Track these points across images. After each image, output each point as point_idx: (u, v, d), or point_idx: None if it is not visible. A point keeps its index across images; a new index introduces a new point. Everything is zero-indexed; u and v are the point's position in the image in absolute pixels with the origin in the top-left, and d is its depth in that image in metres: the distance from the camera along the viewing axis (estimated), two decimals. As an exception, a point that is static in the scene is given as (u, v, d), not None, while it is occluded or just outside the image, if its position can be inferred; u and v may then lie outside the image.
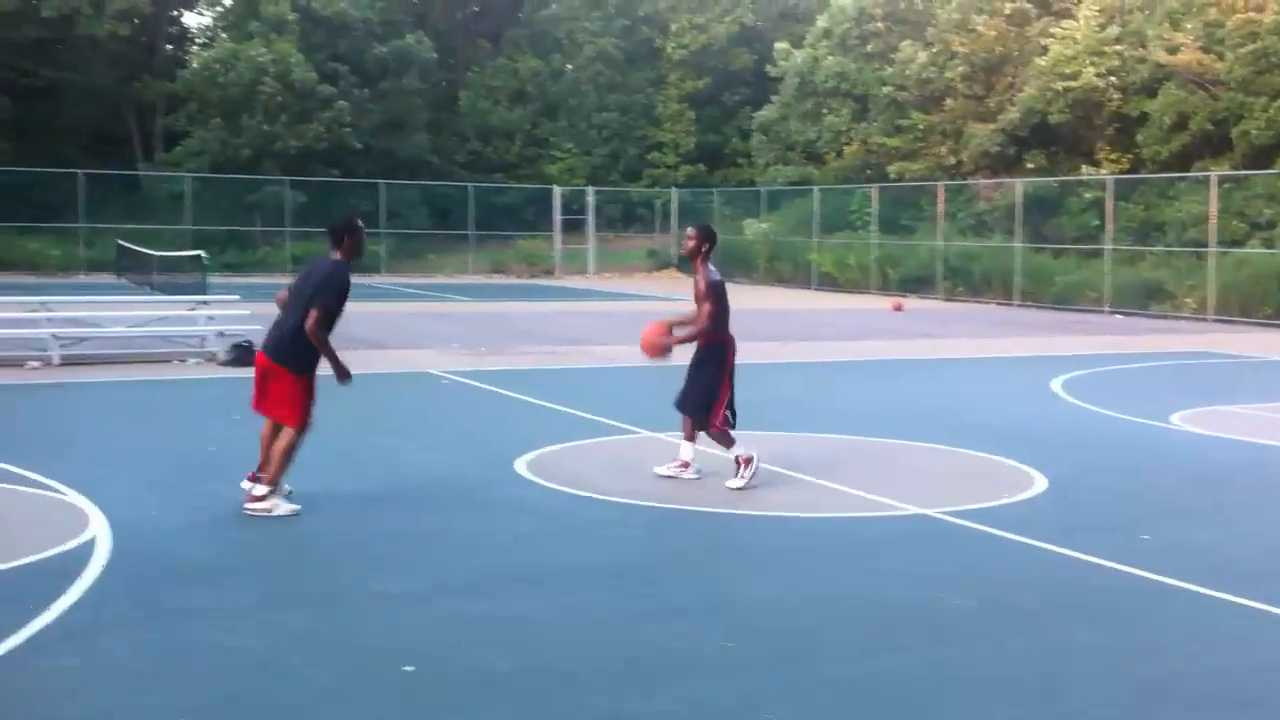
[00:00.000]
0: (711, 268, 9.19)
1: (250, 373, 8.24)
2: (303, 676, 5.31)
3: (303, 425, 8.08)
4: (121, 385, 14.46)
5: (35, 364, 15.37)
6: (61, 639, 5.68)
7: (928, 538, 7.86)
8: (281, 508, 8.01)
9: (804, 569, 7.10)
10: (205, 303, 18.43)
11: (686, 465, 9.36)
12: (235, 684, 5.20)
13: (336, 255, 8.14)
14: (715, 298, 9.04)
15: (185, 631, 5.82)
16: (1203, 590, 6.70)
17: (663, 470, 9.39)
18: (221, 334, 17.03)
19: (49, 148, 43.35)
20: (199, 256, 24.13)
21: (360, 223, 8.38)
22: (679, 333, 9.23)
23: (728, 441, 9.11)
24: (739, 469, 9.03)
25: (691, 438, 9.38)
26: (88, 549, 7.14)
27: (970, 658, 5.70)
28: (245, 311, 17.90)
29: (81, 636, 5.71)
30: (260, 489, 8.01)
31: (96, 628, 5.83)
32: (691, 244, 9.18)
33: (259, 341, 8.36)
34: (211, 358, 16.61)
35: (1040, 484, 9.46)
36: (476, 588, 6.62)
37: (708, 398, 9.13)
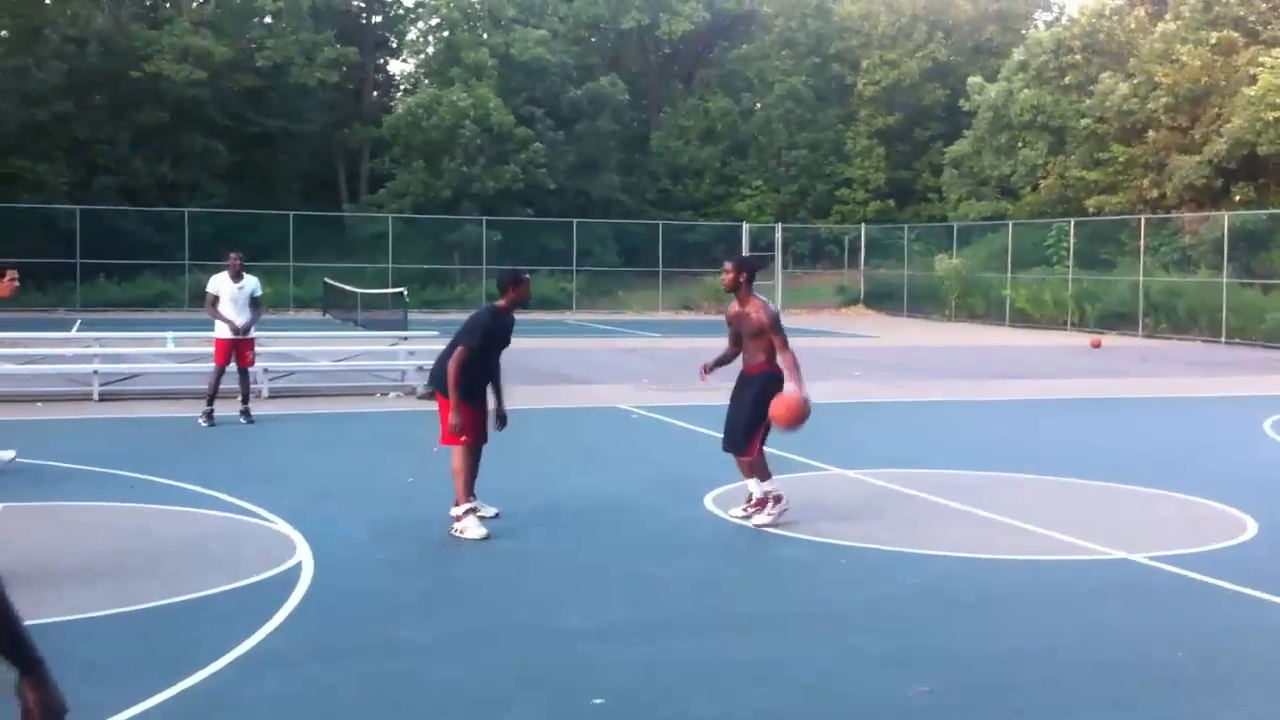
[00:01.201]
0: (762, 296, 9.14)
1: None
2: (503, 712, 5.41)
3: (459, 443, 8.47)
4: (325, 418, 15.02)
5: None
6: (265, 664, 5.90)
7: (1133, 584, 7.59)
8: (471, 530, 8.33)
9: (1007, 616, 6.89)
10: (405, 338, 19.03)
11: (763, 503, 9.01)
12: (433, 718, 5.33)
13: (500, 303, 8.68)
14: (780, 325, 8.97)
15: (386, 662, 5.98)
16: None
17: (738, 512, 9.09)
18: (421, 368, 17.50)
19: (263, 191, 45.56)
20: (400, 293, 24.92)
21: (527, 276, 8.86)
22: (792, 378, 8.86)
23: (764, 474, 8.91)
24: (764, 505, 8.85)
25: (752, 473, 9.07)
26: (294, 576, 7.42)
27: (1201, 716, 5.48)
28: (443, 346, 18.42)
29: (284, 664, 5.92)
30: (457, 509, 8.46)
31: (299, 655, 6.03)
32: (729, 277, 9.05)
33: None
34: (411, 391, 17.11)
35: (1251, 529, 9.06)
36: (672, 626, 6.62)
37: (750, 426, 8.93)
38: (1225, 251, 31.80)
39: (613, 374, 20.75)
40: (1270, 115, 32.78)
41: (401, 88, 56.96)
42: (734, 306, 9.17)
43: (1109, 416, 16.35)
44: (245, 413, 14.21)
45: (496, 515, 8.71)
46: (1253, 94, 33.73)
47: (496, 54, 47.58)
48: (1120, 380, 20.80)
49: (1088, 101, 39.99)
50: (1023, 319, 37.26)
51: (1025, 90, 42.27)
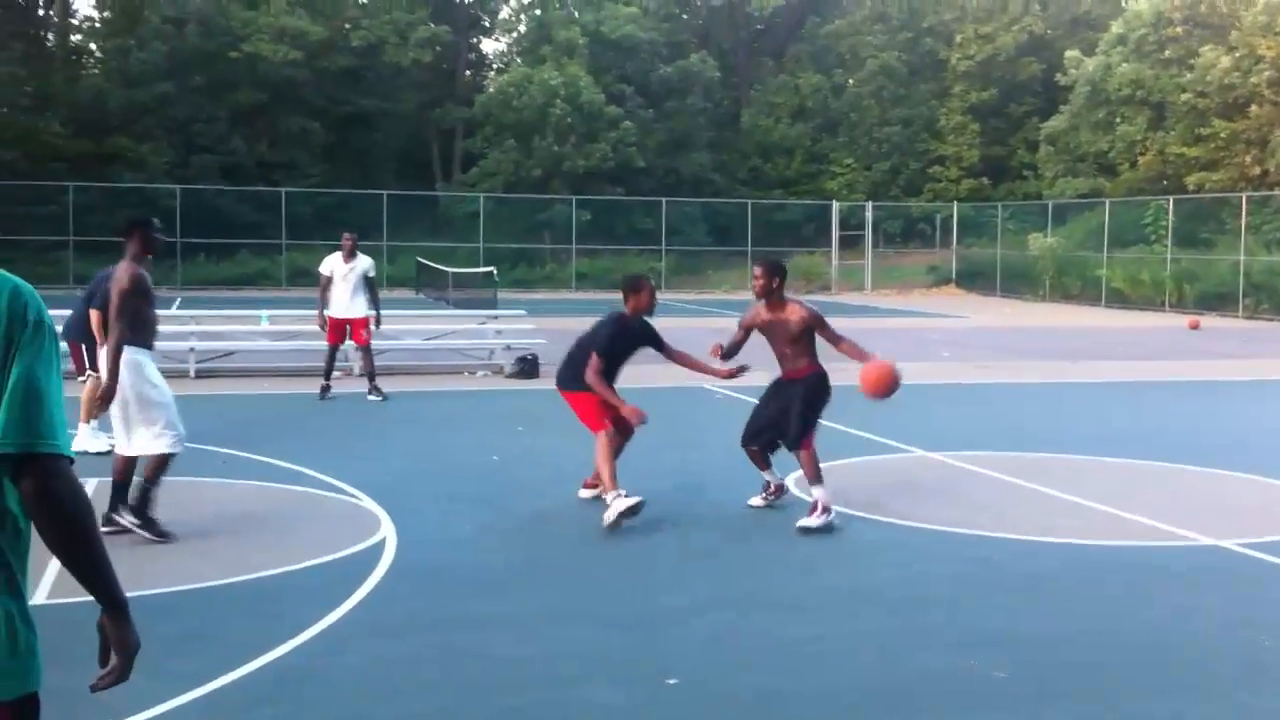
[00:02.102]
0: (795, 297, 9.01)
1: (535, 385, 8.71)
2: (580, 690, 5.50)
3: (603, 429, 8.60)
4: (414, 396, 15.23)
5: (336, 374, 16.34)
6: (349, 637, 6.04)
7: (1223, 571, 7.47)
8: (616, 505, 8.18)
9: (1091, 601, 6.82)
10: (494, 317, 19.21)
11: (782, 489, 9.09)
12: (510, 696, 5.43)
13: (625, 311, 8.86)
14: (825, 321, 8.80)
15: (465, 637, 6.10)
16: None
17: (810, 522, 8.31)
18: (509, 348, 17.70)
19: (358, 170, 46.16)
20: (490, 273, 25.15)
21: (649, 282, 9.10)
22: (865, 355, 8.73)
23: (817, 471, 8.41)
24: (822, 511, 8.29)
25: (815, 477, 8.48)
26: (378, 551, 7.58)
27: None
28: (531, 326, 18.59)
29: (367, 637, 6.06)
30: (607, 495, 8.36)
31: (382, 629, 6.18)
32: (761, 283, 8.77)
33: (544, 356, 9.07)
34: (499, 370, 17.28)
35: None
36: (747, 604, 6.67)
37: (807, 425, 8.70)
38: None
39: (700, 353, 20.71)
40: (1380, 89, 31.81)
41: (493, 67, 57.31)
42: (763, 313, 8.82)
43: (1206, 400, 16.04)
44: (374, 389, 14.46)
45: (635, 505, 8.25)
46: (1362, 67, 32.75)
47: (587, 32, 47.67)
48: (1219, 362, 20.37)
49: (1188, 75, 39.09)
50: (1119, 299, 36.59)
51: (1124, 64, 41.42)
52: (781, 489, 9.07)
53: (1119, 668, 5.76)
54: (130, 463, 7.86)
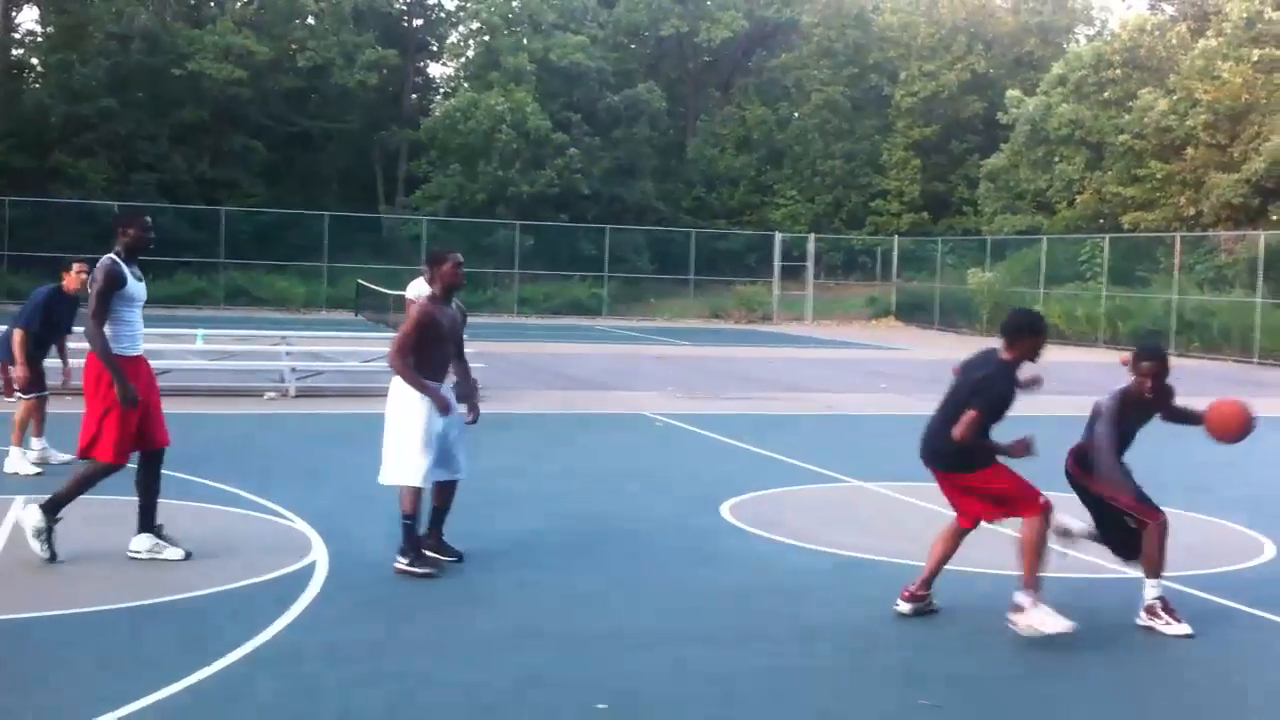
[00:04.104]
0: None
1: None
2: (511, 715, 5.48)
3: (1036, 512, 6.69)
4: (350, 418, 15.12)
5: (273, 395, 16.22)
6: (276, 660, 5.98)
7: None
8: (1050, 623, 6.44)
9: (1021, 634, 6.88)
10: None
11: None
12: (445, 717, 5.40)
13: (1006, 356, 6.79)
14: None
15: (395, 662, 6.05)
16: None
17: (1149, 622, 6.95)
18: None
19: (301, 191, 45.92)
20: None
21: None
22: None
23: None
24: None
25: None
26: (309, 573, 7.51)
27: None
28: (471, 350, 18.50)
29: (295, 660, 6.00)
30: (1023, 598, 6.54)
31: (310, 652, 6.12)
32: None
33: (483, 380, 8.47)
34: (437, 394, 17.21)
35: (1269, 552, 9.03)
36: (685, 636, 6.65)
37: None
38: (1260, 271, 31.56)
39: (640, 381, 20.80)
40: (1311, 134, 32.55)
41: (441, 91, 57.28)
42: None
43: (1141, 436, 16.24)
44: None
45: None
46: (1293, 113, 33.50)
47: (535, 59, 47.80)
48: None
49: (1126, 117, 39.80)
50: (1054, 335, 36.97)
51: (1063, 104, 42.12)
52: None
53: (1069, 701, 5.82)
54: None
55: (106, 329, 7.45)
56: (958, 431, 6.45)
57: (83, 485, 7.64)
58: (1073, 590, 7.78)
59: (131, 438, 7.59)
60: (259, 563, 7.69)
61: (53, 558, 7.46)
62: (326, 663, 5.95)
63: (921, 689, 5.86)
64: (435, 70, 58.85)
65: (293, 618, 6.62)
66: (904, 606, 6.95)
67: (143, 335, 7.84)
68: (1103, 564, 8.47)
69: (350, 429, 14.56)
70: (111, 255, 7.58)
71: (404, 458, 7.58)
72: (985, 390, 6.55)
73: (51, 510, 7.54)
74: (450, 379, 8.02)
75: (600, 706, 5.45)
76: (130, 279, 7.59)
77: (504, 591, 7.45)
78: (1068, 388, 22.80)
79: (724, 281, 46.40)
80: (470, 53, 53.36)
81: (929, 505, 10.44)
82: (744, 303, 44.97)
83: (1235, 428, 7.06)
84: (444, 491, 7.97)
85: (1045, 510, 6.55)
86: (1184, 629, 6.75)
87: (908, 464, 12.65)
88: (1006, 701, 5.84)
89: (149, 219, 7.93)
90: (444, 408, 7.64)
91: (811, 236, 46.77)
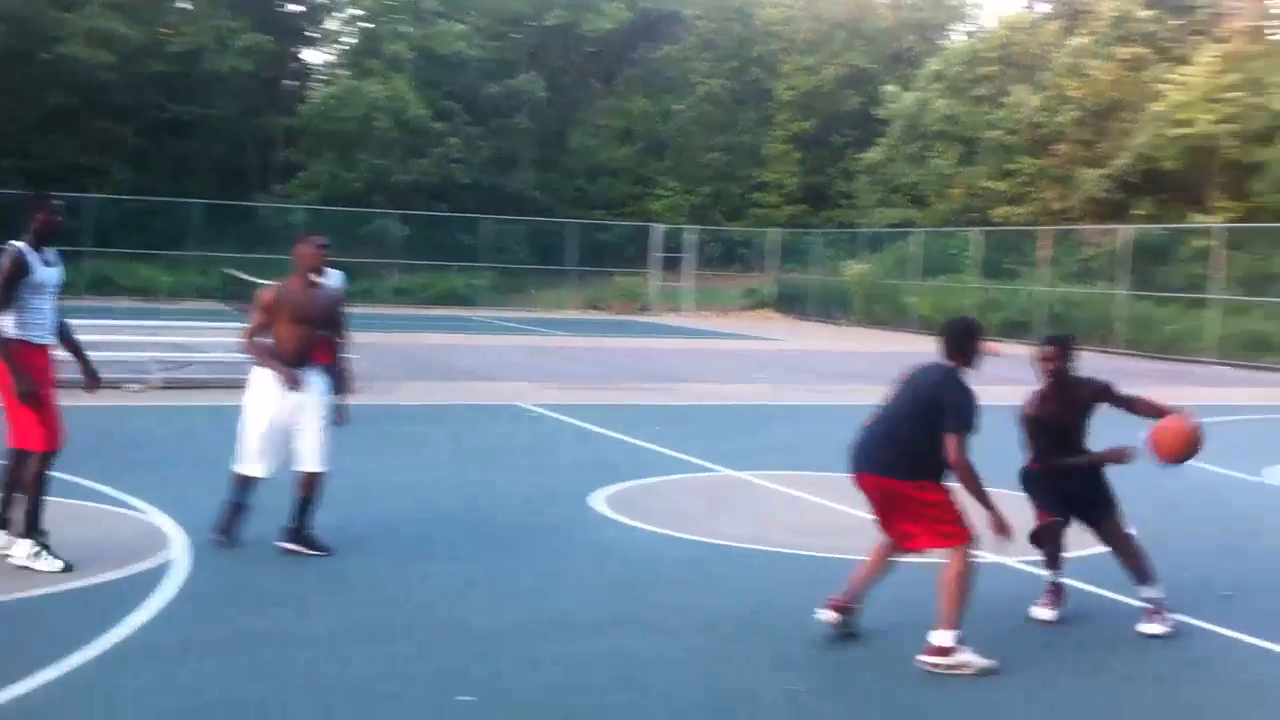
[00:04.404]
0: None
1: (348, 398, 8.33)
2: (379, 707, 5.40)
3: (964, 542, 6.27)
4: (215, 410, 14.79)
5: (136, 387, 15.80)
6: (131, 656, 5.83)
7: (1005, 586, 7.72)
8: (976, 663, 6.04)
9: (893, 619, 6.97)
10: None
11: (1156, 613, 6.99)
12: (302, 716, 5.30)
13: (953, 364, 6.55)
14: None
15: (257, 655, 5.94)
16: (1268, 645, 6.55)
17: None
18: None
19: (173, 178, 44.76)
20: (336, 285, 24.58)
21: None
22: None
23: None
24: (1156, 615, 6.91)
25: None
26: (168, 567, 7.33)
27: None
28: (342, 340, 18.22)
29: (151, 656, 5.86)
30: (945, 637, 6.07)
31: (167, 648, 5.98)
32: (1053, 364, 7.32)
33: (356, 370, 8.32)
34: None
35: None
36: (557, 626, 6.62)
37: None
38: (1124, 264, 32.51)
39: (516, 371, 20.71)
40: (1173, 132, 33.55)
41: (318, 78, 56.32)
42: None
43: (1001, 422, 16.61)
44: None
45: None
46: (1159, 110, 34.51)
47: (415, 47, 47.27)
48: (1014, 388, 21.13)
49: (999, 113, 40.66)
50: (927, 326, 37.71)
51: (939, 100, 42.89)
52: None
53: (940, 684, 5.90)
54: None
55: (11, 317, 7.14)
56: (952, 458, 6.13)
57: (32, 487, 7.28)
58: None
59: (56, 418, 7.35)
60: (117, 557, 7.48)
61: (67, 566, 7.12)
62: (184, 658, 5.82)
63: (795, 676, 5.91)
64: (312, 57, 57.88)
65: (152, 613, 6.45)
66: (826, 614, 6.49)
67: (54, 324, 7.48)
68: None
69: (215, 420, 14.24)
70: (18, 242, 7.31)
71: (241, 443, 7.82)
72: (962, 411, 6.23)
73: (30, 529, 7.23)
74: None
75: (466, 698, 5.41)
76: (39, 266, 7.31)
77: (374, 583, 7.35)
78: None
79: (603, 272, 46.41)
80: (348, 40, 52.57)
81: (801, 494, 10.55)
82: (623, 294, 45.02)
83: (1181, 448, 6.98)
84: (305, 482, 7.86)
85: (972, 543, 6.24)
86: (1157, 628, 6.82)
87: (782, 453, 12.82)
88: (879, 686, 5.90)
89: (59, 202, 7.66)
90: (291, 381, 7.61)
91: (689, 228, 46.98)
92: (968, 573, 6.13)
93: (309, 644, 6.12)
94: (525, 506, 9.72)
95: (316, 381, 7.86)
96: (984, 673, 5.97)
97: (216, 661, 5.77)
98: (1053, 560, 7.19)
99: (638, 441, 13.19)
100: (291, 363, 7.73)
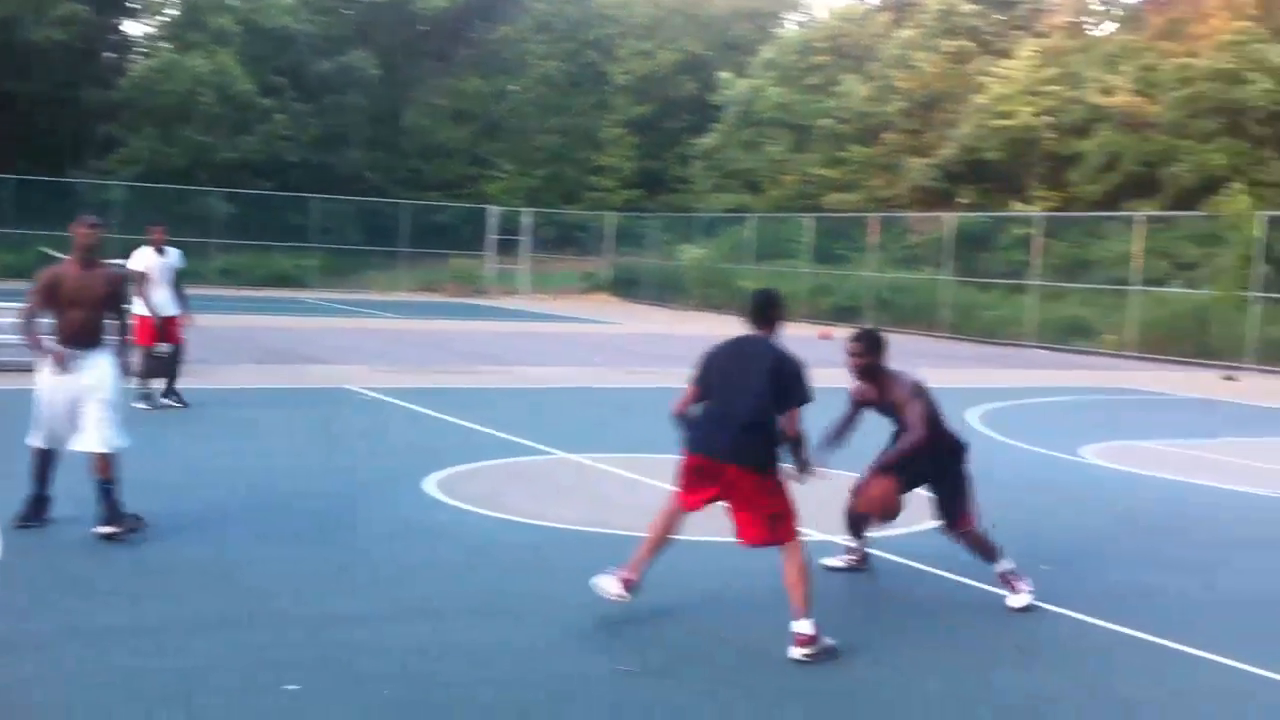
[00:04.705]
0: (898, 370, 7.49)
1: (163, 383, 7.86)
2: (197, 700, 5.18)
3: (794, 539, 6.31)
4: (17, 394, 14.15)
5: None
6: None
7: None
8: (828, 642, 6.09)
9: (725, 600, 7.01)
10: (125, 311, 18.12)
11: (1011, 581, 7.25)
12: (121, 711, 5.06)
13: (768, 335, 6.54)
14: (921, 396, 7.26)
15: (70, 650, 5.67)
16: (1081, 617, 6.74)
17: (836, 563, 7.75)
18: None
19: (-17, 152, 42.70)
20: (122, 265, 23.74)
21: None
22: (889, 456, 7.21)
23: (986, 549, 7.26)
24: (1011, 588, 7.15)
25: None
26: (-30, 559, 6.95)
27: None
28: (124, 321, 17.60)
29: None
30: (807, 626, 6.05)
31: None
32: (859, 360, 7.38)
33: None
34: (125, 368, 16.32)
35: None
36: (385, 613, 6.46)
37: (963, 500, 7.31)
38: (949, 251, 33.44)
39: (347, 354, 20.30)
40: (996, 123, 34.60)
41: (138, 51, 54.33)
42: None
43: (828, 404, 16.90)
44: (171, 391, 13.35)
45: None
46: (982, 102, 35.55)
47: (241, 20, 45.96)
48: (842, 370, 21.55)
49: (830, 102, 41.38)
50: (761, 310, 38.22)
51: (772, 88, 43.46)
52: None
53: (778, 670, 5.91)
54: None
55: None
56: (793, 428, 6.18)
57: None
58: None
59: None
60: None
61: None
62: (19, 655, 5.51)
63: (625, 657, 5.87)
64: (133, 29, 55.83)
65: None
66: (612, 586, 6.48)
67: None
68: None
69: (20, 403, 13.62)
70: None
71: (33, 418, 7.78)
72: (804, 382, 6.28)
73: None
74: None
75: (291, 687, 5.24)
76: None
77: (200, 572, 7.07)
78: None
79: (438, 254, 45.86)
80: (171, 11, 50.83)
81: (637, 477, 10.55)
82: (459, 276, 44.60)
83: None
84: (95, 466, 7.65)
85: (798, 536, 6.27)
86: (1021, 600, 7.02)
87: (616, 436, 12.81)
88: (714, 668, 5.89)
89: None
90: (58, 359, 7.53)
91: (526, 210, 46.75)
92: (807, 564, 6.19)
93: (131, 637, 5.85)
94: (359, 491, 9.50)
95: (98, 362, 7.68)
96: (834, 654, 6.03)
97: (22, 659, 5.47)
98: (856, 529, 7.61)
99: (471, 425, 13.03)
100: (70, 344, 7.60)
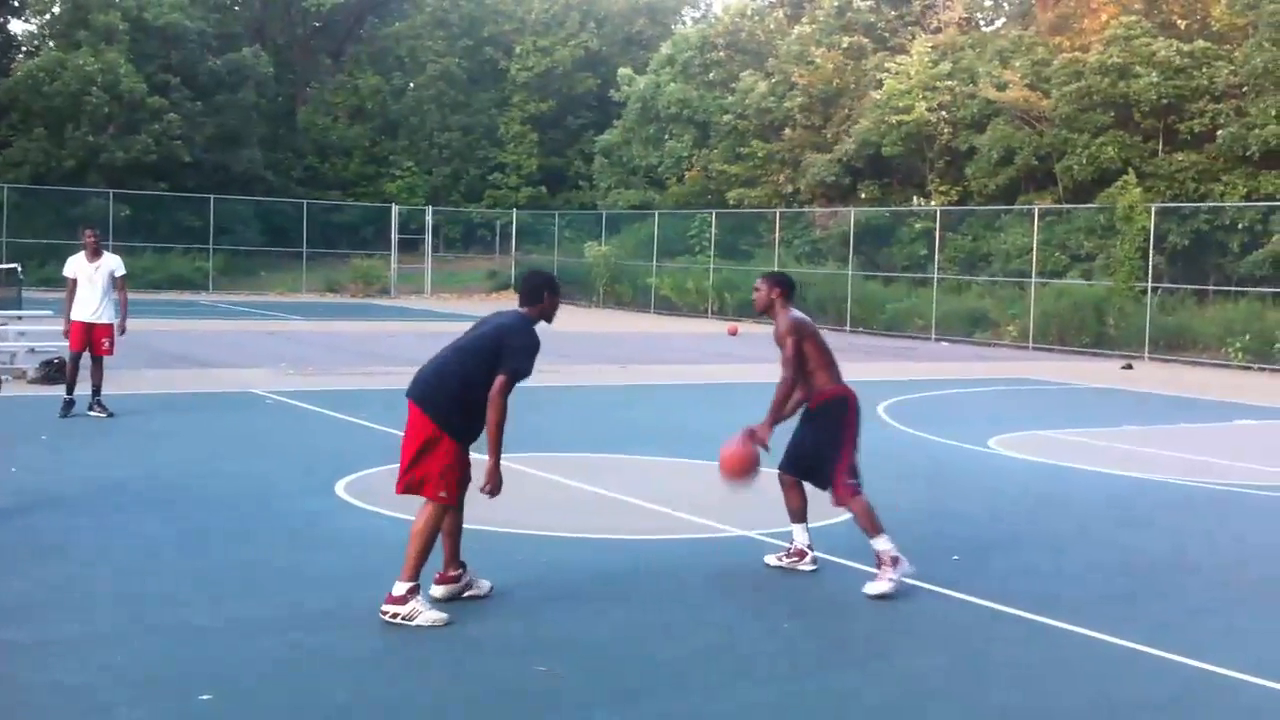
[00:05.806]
0: (793, 311, 7.73)
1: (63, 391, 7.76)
2: (111, 714, 5.00)
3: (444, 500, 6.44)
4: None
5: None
6: None
7: (745, 560, 7.82)
8: (424, 615, 6.26)
9: (632, 596, 6.97)
10: (19, 318, 17.64)
11: (803, 555, 7.58)
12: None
13: (525, 311, 6.73)
14: (796, 338, 7.46)
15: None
16: (995, 606, 6.81)
17: (773, 560, 7.66)
18: (33, 350, 16.31)
19: None
20: (14, 270, 23.09)
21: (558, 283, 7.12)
22: (765, 420, 7.41)
23: (868, 521, 7.18)
24: (881, 568, 7.10)
25: (803, 517, 7.66)
26: None
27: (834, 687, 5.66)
28: (58, 327, 17.16)
29: None
30: (401, 586, 6.30)
31: None
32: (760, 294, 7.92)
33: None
34: (21, 375, 15.87)
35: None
36: (298, 620, 6.30)
37: (828, 460, 7.37)
38: (851, 245, 33.77)
39: (249, 358, 19.93)
40: (894, 118, 34.98)
41: (23, 49, 52.87)
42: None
43: (740, 400, 16.95)
44: (98, 404, 12.98)
45: (489, 591, 6.79)
46: (879, 97, 35.93)
47: (128, 18, 44.91)
48: (752, 366, 21.65)
49: (730, 98, 41.55)
50: (667, 306, 38.33)
51: (672, 84, 43.53)
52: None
53: (662, 664, 5.86)
54: None
55: None
56: (495, 392, 6.31)
57: None
58: (668, 548, 7.94)
59: None
60: None
61: None
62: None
63: (540, 658, 5.79)
64: (16, 27, 54.30)
65: None
66: (438, 590, 6.63)
67: None
68: (694, 521, 8.69)
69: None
70: None
71: None
72: (519, 354, 6.46)
73: None
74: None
75: (204, 698, 5.09)
76: None
77: (103, 585, 6.85)
78: (682, 356, 23.66)
79: (339, 254, 45.30)
80: (56, 8, 49.52)
81: (554, 477, 10.46)
82: (361, 276, 44.07)
83: (739, 470, 7.36)
84: None
85: (447, 504, 6.41)
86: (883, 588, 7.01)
87: (527, 435, 12.68)
88: (622, 664, 5.83)
89: None
90: None
91: (429, 209, 46.34)
92: (436, 529, 6.38)
93: (32, 654, 5.63)
94: (265, 497, 9.29)
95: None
96: (433, 624, 6.17)
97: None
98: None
99: (380, 427, 12.83)
100: None
